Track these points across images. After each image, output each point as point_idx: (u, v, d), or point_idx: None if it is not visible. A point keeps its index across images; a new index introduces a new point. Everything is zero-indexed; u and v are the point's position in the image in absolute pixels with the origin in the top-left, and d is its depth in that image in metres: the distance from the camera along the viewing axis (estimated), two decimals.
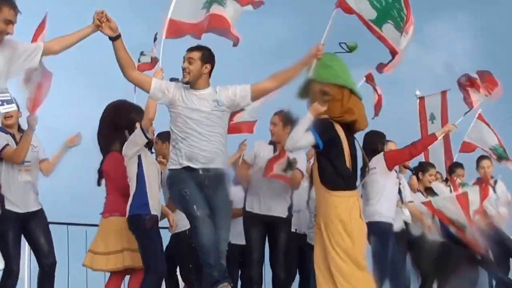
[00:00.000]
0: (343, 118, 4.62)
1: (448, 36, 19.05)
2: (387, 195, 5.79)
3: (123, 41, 4.21)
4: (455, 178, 7.13)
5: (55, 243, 5.08)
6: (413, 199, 6.66)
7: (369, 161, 5.69)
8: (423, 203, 6.42)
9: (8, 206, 4.77)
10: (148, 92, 4.43)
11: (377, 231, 5.62)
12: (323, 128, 4.59)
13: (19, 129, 5.04)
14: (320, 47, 4.59)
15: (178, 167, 4.40)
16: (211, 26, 5.34)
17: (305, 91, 4.78)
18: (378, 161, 5.83)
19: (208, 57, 4.46)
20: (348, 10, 4.91)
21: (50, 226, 5.17)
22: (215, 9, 5.34)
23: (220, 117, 4.43)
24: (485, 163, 7.44)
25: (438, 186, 7.04)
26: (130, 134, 4.94)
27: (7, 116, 4.87)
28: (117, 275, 5.05)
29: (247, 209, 5.58)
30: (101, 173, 5.18)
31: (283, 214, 5.53)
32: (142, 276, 4.88)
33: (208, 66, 4.45)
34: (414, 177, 6.94)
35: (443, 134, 6.39)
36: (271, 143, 5.67)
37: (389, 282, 5.69)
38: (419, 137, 8.14)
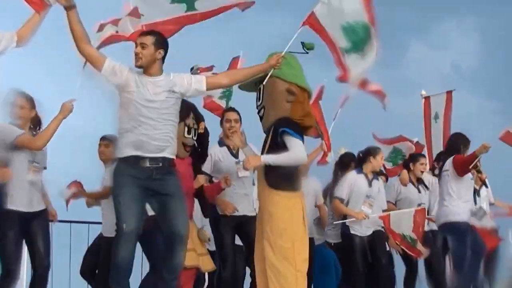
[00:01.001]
0: (302, 121, 4.48)
1: (456, 36, 19.09)
2: (460, 197, 5.98)
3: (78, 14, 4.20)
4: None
5: None
6: (403, 193, 6.80)
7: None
8: (380, 217, 6.41)
9: (10, 206, 4.70)
10: (99, 70, 4.30)
11: (453, 230, 5.95)
12: (297, 126, 4.44)
13: (31, 128, 4.96)
14: (280, 59, 4.47)
15: (125, 155, 4.28)
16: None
17: (250, 85, 4.68)
18: (449, 163, 6.05)
19: (161, 42, 4.36)
20: (315, 28, 4.75)
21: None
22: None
23: (174, 104, 4.34)
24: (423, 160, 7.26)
25: (426, 178, 7.04)
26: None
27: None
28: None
29: (221, 213, 5.41)
30: None
31: (254, 212, 5.41)
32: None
33: (161, 51, 4.34)
34: (404, 171, 6.96)
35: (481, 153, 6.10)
36: (222, 144, 5.57)
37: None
38: (423, 137, 8.24)
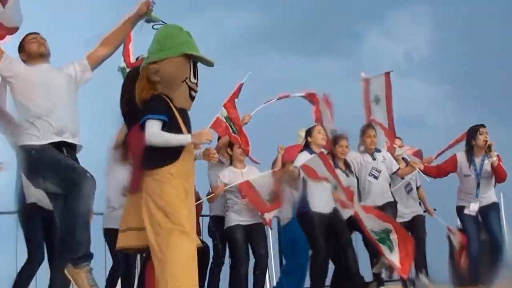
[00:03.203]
0: None
1: (409, 25, 19.47)
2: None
3: None
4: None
5: None
6: None
7: None
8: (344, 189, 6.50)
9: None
10: None
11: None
12: None
13: None
14: (149, 2, 4.43)
15: (41, 143, 4.20)
16: None
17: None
18: None
19: None
20: None
21: None
22: None
23: (75, 91, 4.40)
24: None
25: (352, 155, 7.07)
26: None
27: None
28: None
29: None
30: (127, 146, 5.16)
31: None
32: None
33: None
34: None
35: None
36: None
37: None
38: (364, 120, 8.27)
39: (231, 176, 6.44)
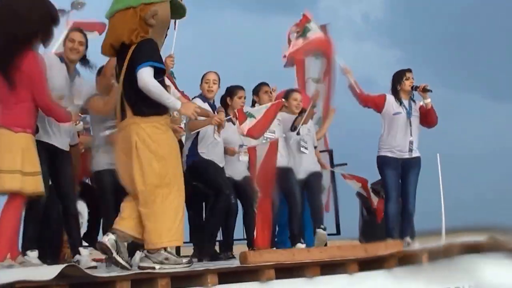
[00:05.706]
0: None
1: None
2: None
3: None
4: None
5: None
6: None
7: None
8: None
9: None
10: None
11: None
12: None
13: None
14: None
15: None
16: None
17: None
18: None
19: None
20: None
21: None
22: None
23: None
24: (297, 95, 6.89)
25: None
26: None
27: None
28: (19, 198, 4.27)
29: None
30: (12, 74, 4.13)
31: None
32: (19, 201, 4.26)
33: None
34: (220, 107, 6.37)
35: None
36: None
37: None
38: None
39: None
